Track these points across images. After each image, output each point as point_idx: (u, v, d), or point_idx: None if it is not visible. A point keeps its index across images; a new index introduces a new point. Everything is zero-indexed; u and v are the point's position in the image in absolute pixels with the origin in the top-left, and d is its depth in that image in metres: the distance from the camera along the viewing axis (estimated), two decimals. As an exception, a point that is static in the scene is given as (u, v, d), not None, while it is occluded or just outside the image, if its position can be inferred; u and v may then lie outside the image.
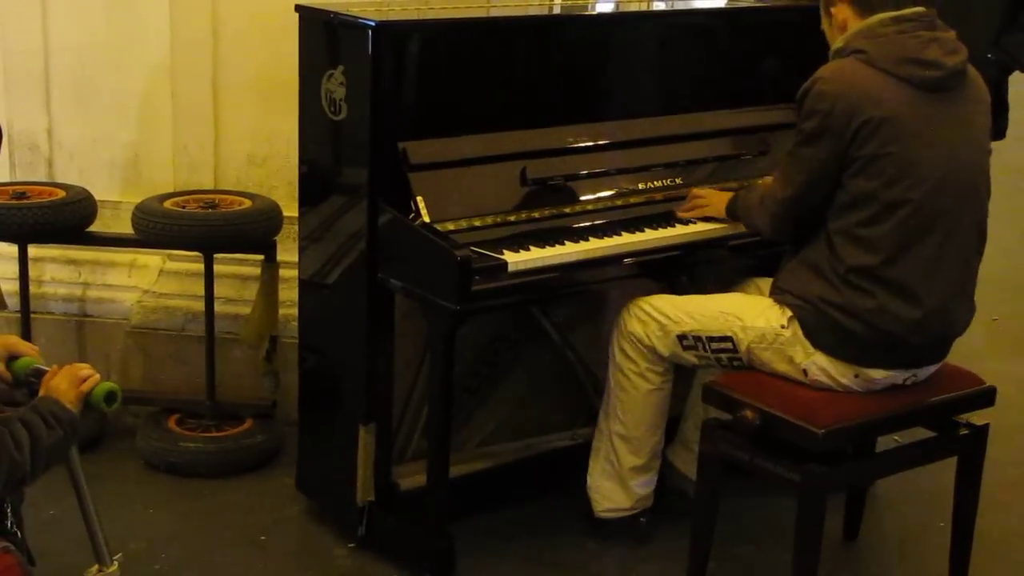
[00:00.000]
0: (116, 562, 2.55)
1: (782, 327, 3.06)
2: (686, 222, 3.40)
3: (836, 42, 3.05)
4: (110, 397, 2.47)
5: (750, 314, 3.12)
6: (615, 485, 3.44)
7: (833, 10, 3.07)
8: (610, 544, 3.51)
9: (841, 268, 2.95)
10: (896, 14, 2.95)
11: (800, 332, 3.03)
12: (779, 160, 3.24)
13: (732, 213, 3.33)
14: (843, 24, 3.04)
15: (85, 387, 2.45)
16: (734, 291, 3.45)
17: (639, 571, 3.43)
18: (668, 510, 3.54)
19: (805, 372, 3.04)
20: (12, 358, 2.59)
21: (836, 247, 2.96)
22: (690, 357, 3.26)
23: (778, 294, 3.10)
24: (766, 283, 3.33)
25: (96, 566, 2.54)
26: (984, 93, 3.09)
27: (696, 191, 3.46)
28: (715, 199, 3.41)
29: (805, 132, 2.96)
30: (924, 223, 2.92)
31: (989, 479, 3.27)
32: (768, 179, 3.29)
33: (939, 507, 3.55)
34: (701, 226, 3.40)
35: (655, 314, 3.27)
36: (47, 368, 2.53)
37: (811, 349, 3.02)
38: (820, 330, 3.00)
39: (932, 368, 3.11)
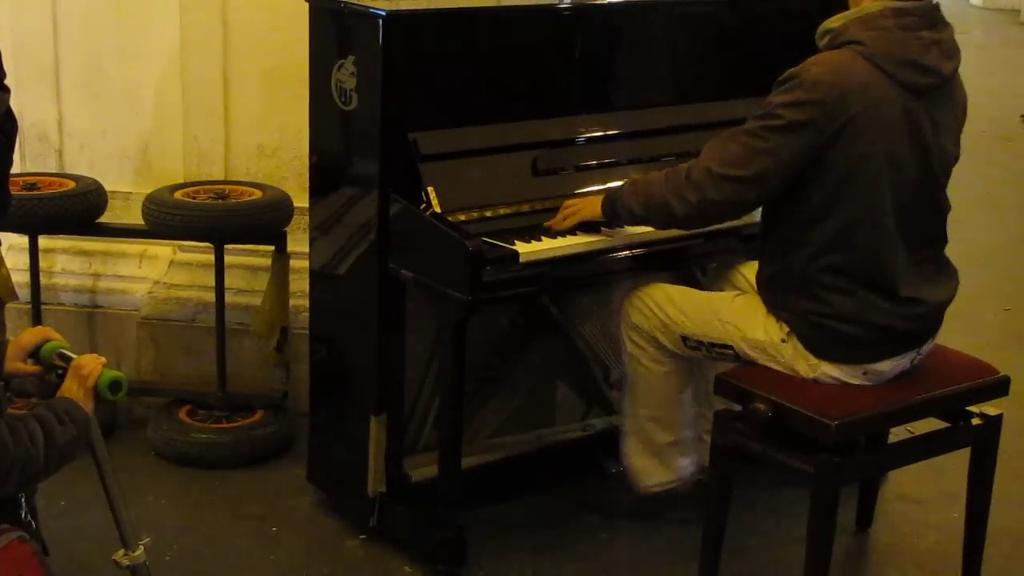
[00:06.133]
0: (142, 546, 2.56)
1: (782, 341, 3.04)
2: (564, 234, 3.19)
3: (831, 21, 2.92)
4: (114, 386, 2.49)
5: (749, 325, 3.10)
6: (655, 461, 3.43)
7: None
8: (621, 535, 3.51)
9: (819, 277, 2.92)
10: (899, 5, 2.85)
11: (800, 346, 3.01)
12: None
13: (613, 206, 3.12)
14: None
15: (89, 382, 2.47)
16: (721, 284, 3.44)
17: (651, 561, 3.42)
18: (680, 499, 3.53)
19: (816, 382, 3.03)
20: (40, 347, 2.61)
21: (809, 257, 2.92)
22: (694, 354, 3.27)
23: (771, 307, 3.07)
24: (749, 268, 3.32)
25: (122, 550, 2.55)
26: (964, 98, 3.05)
27: (567, 202, 3.26)
28: (587, 201, 3.22)
29: (784, 119, 2.82)
30: (896, 222, 2.90)
31: (1003, 470, 3.25)
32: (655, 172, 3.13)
33: (953, 499, 3.54)
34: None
35: (656, 310, 3.26)
36: (73, 355, 2.56)
37: (814, 360, 3.00)
38: (820, 341, 2.98)
39: (932, 342, 3.10)
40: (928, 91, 2.89)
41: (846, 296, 2.92)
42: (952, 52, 2.93)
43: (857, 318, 2.93)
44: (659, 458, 3.44)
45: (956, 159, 3.05)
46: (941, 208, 3.03)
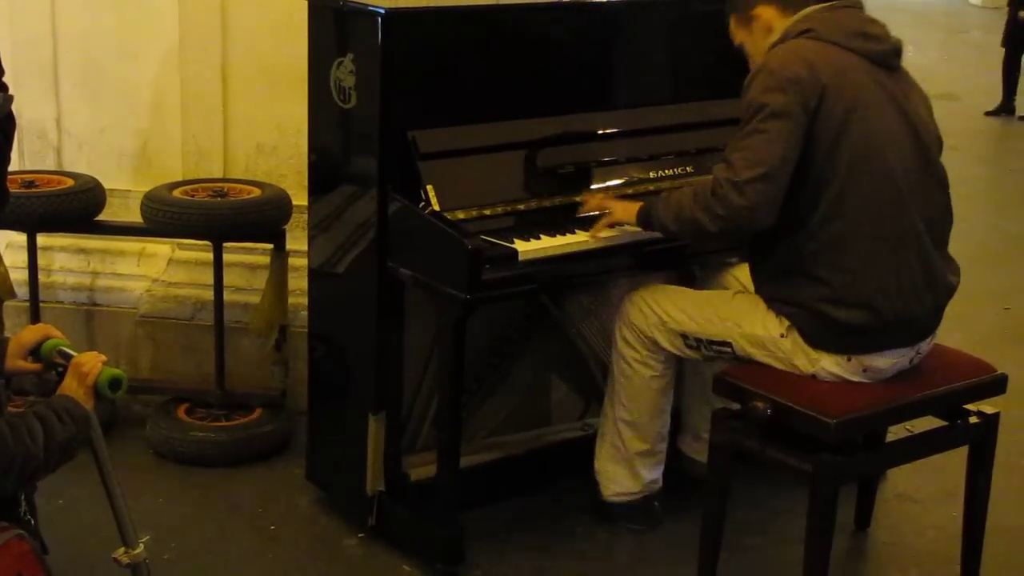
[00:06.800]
0: (142, 544, 2.56)
1: (781, 336, 3.04)
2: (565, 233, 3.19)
3: (771, 37, 3.04)
4: (114, 383, 2.48)
5: (748, 320, 3.10)
6: (622, 469, 3.44)
7: (755, 12, 3.08)
8: (620, 533, 3.51)
9: (821, 253, 2.93)
10: (826, 4, 3.02)
11: (800, 340, 3.01)
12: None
13: (648, 221, 3.13)
14: (768, 26, 3.06)
15: (89, 380, 2.47)
16: (714, 285, 3.46)
17: (650, 560, 3.42)
18: (680, 498, 3.53)
19: (814, 377, 3.03)
20: (40, 344, 2.61)
21: (811, 233, 2.93)
22: (692, 353, 3.27)
23: (771, 302, 3.07)
24: (741, 271, 3.34)
25: (123, 548, 2.55)
26: (925, 94, 3.12)
27: (591, 203, 3.28)
28: (619, 210, 3.22)
29: (771, 105, 2.87)
30: (895, 185, 2.92)
31: (1001, 468, 3.25)
32: (686, 188, 3.14)
33: (951, 497, 3.54)
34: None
35: (656, 309, 3.26)
36: (73, 352, 2.55)
37: (814, 354, 3.01)
38: (820, 332, 2.98)
39: (931, 340, 3.10)
40: (885, 61, 3.00)
41: (846, 274, 2.92)
42: (888, 32, 3.06)
43: (857, 300, 2.92)
44: (627, 467, 3.44)
45: (940, 141, 3.11)
46: (941, 180, 3.06)
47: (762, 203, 2.91)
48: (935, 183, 3.04)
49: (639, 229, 3.18)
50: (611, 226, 3.22)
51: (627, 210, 3.20)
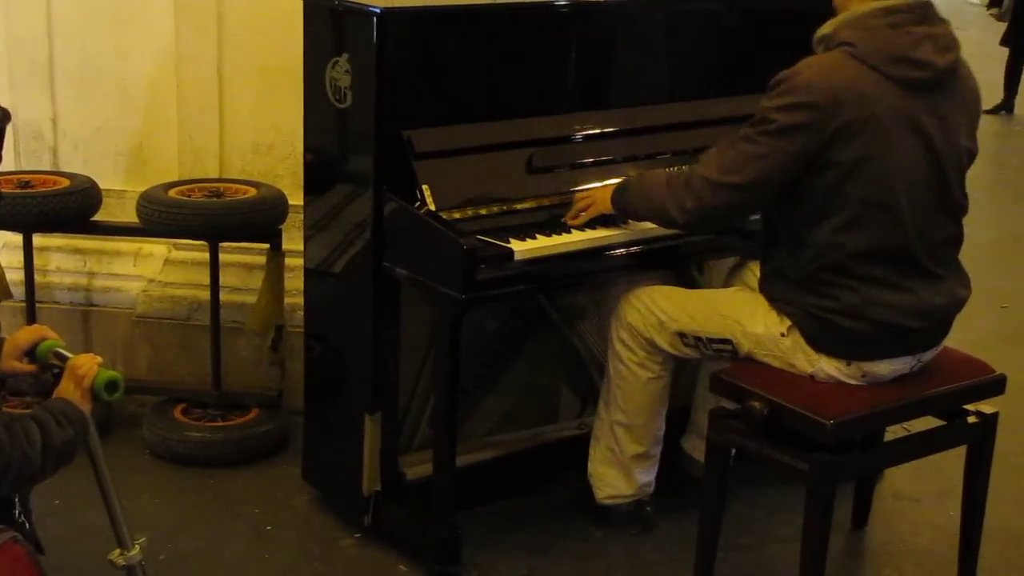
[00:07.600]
0: (138, 545, 2.55)
1: (781, 335, 3.02)
2: (581, 229, 3.20)
3: (824, 27, 2.93)
4: (110, 386, 2.47)
5: (749, 318, 3.09)
6: (617, 472, 3.44)
7: None
8: (617, 533, 3.50)
9: (823, 274, 2.91)
10: (888, 5, 2.85)
11: (801, 340, 2.99)
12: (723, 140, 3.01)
13: (620, 200, 3.14)
14: (845, 1, 2.94)
15: (86, 383, 2.46)
16: (730, 281, 3.44)
17: (646, 560, 3.42)
18: (676, 498, 3.53)
19: (812, 377, 3.02)
20: (36, 345, 2.60)
21: (814, 255, 2.91)
22: (690, 352, 3.25)
23: (772, 301, 3.06)
24: (749, 269, 3.33)
25: (118, 550, 2.54)
26: (975, 91, 3.02)
27: (578, 195, 3.27)
28: (598, 194, 3.23)
29: (778, 123, 2.82)
30: (901, 220, 2.87)
31: (999, 468, 3.24)
32: (661, 170, 3.16)
33: (949, 497, 3.54)
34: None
35: (654, 308, 3.24)
36: (69, 354, 2.54)
37: (814, 356, 2.99)
38: (822, 336, 2.97)
39: (935, 350, 3.09)
40: (925, 86, 2.87)
41: (852, 292, 2.91)
42: (949, 45, 2.91)
43: (862, 314, 2.91)
44: (622, 470, 3.43)
45: (973, 154, 3.02)
46: (956, 209, 2.99)
47: (730, 209, 2.94)
48: (946, 216, 2.97)
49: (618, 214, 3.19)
50: (587, 212, 3.22)
51: (603, 199, 3.20)
